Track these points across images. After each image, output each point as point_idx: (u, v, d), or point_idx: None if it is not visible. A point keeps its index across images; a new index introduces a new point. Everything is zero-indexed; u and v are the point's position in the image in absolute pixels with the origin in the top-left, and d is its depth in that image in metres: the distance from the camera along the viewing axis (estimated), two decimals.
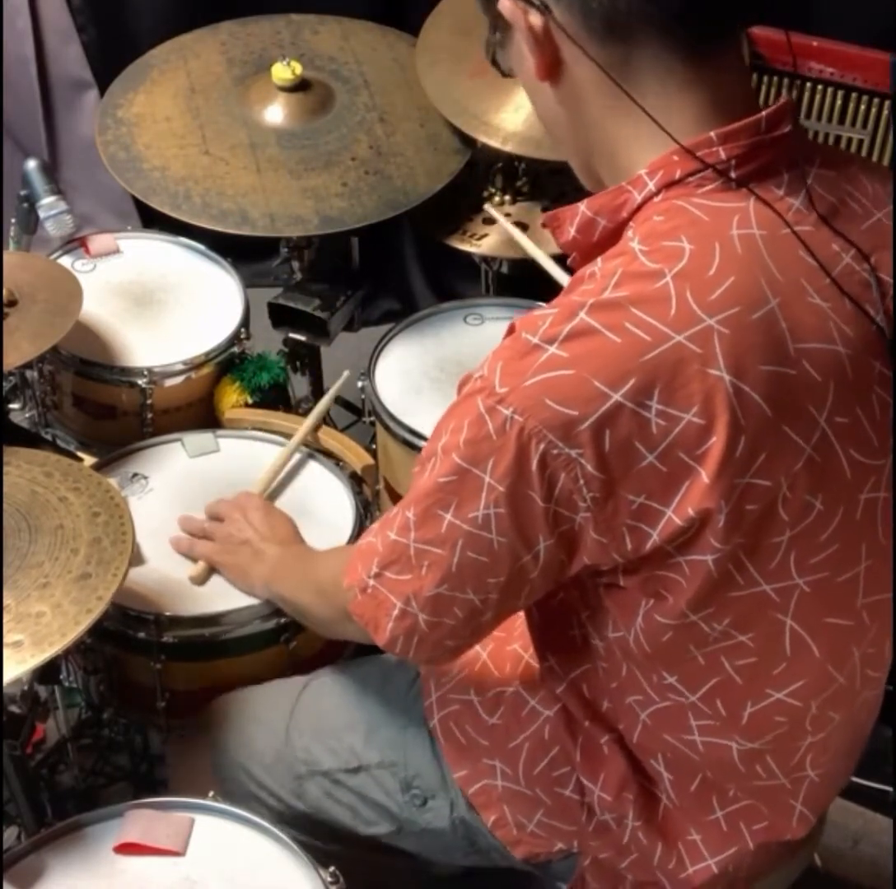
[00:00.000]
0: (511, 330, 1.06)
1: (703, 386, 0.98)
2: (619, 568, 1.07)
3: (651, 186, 1.05)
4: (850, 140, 2.00)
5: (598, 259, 1.05)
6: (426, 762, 1.39)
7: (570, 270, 1.12)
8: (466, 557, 1.08)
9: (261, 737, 1.48)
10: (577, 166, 1.16)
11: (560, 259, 1.90)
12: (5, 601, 1.29)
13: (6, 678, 1.23)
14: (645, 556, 1.04)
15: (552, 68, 1.07)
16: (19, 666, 1.24)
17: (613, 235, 1.08)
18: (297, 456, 1.80)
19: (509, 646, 1.37)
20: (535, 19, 1.04)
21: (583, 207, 1.10)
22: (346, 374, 1.94)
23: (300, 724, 1.46)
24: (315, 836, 1.42)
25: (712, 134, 1.03)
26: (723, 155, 1.03)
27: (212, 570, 1.61)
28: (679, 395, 0.98)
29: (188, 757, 1.57)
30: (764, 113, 1.05)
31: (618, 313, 0.99)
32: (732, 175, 1.03)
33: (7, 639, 1.25)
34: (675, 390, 0.98)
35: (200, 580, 1.60)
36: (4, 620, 1.27)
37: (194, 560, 1.62)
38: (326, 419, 2.08)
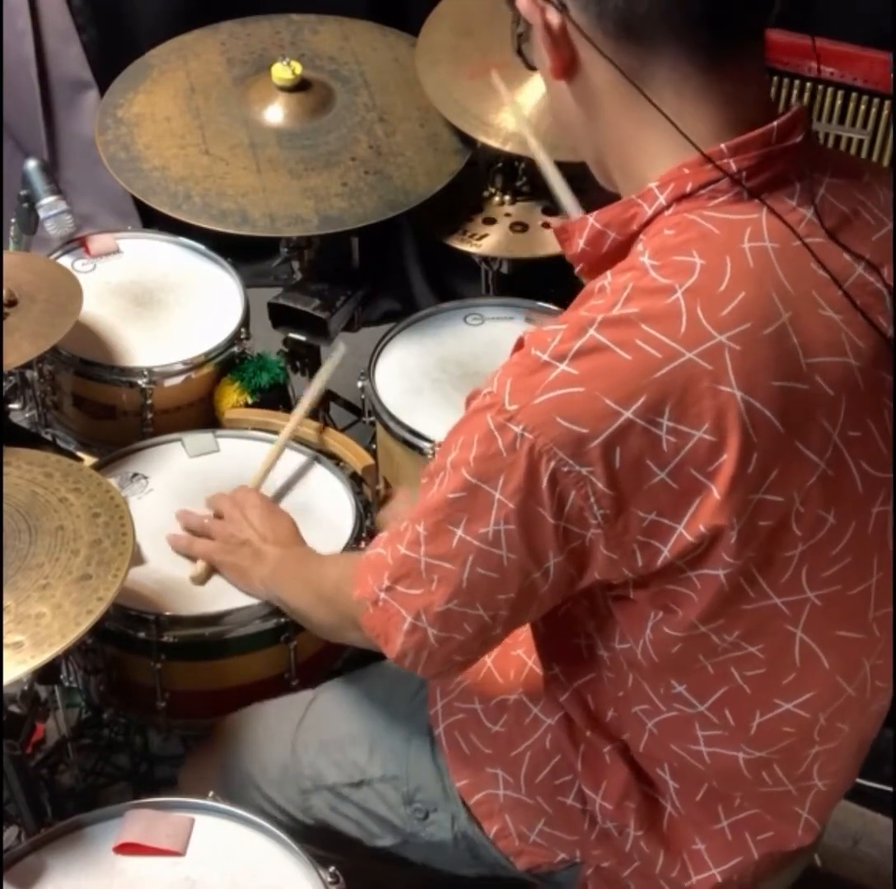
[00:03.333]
0: (520, 345, 1.05)
1: (714, 403, 0.98)
2: (629, 582, 1.07)
3: (662, 200, 1.04)
4: (850, 140, 2.00)
5: (608, 273, 1.04)
6: (428, 775, 1.38)
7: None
8: (476, 573, 1.08)
9: (268, 751, 1.47)
10: (592, 164, 1.16)
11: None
12: (5, 602, 1.29)
13: (6, 678, 1.22)
14: (656, 572, 1.04)
15: (568, 67, 1.06)
16: (19, 666, 1.23)
17: (623, 248, 1.07)
18: (297, 456, 1.80)
19: (514, 651, 1.37)
20: (553, 17, 1.03)
21: (592, 220, 1.09)
22: (342, 347, 1.90)
23: (306, 738, 1.46)
24: (324, 848, 1.40)
25: (723, 146, 1.02)
26: (733, 167, 1.02)
27: (212, 570, 1.61)
28: (690, 413, 0.98)
29: (199, 770, 1.56)
30: (776, 123, 1.03)
31: (628, 330, 0.99)
32: (745, 185, 1.02)
33: (7, 639, 1.25)
34: (686, 407, 0.98)
35: (201, 580, 1.60)
36: (4, 621, 1.27)
37: (193, 559, 1.62)
38: (326, 420, 2.08)
